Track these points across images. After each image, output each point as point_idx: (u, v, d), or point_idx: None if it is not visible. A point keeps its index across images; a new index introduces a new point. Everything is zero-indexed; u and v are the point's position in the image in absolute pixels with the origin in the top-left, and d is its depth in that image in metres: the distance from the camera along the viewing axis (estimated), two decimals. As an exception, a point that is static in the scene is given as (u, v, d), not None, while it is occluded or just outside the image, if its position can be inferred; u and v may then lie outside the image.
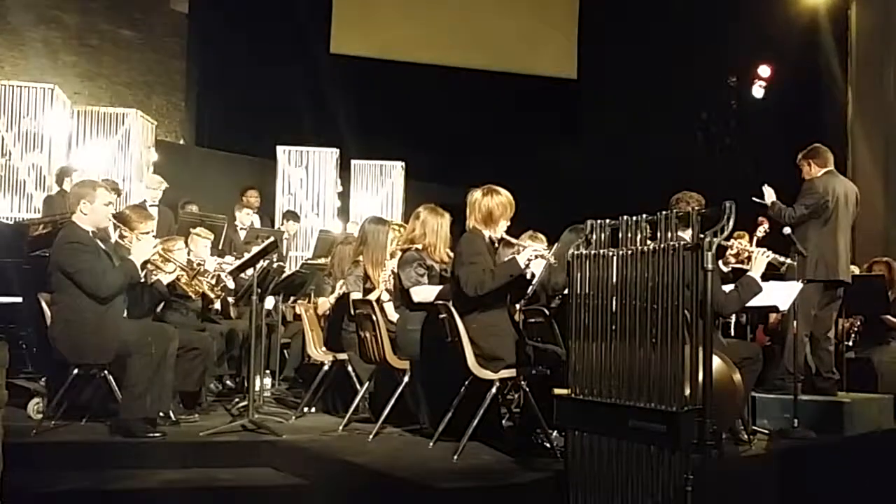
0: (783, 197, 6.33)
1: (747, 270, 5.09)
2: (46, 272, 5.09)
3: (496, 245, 4.96)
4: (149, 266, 5.46)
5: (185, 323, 6.07)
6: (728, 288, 5.00)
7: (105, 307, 5.02)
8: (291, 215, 10.23)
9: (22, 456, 4.14)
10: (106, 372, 5.06)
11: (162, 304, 5.93)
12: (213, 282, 6.36)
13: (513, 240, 5.03)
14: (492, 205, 4.86)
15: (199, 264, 6.18)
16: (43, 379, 5.69)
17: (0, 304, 5.97)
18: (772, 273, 5.33)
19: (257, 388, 6.19)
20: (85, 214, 5.12)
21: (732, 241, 5.77)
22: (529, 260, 4.74)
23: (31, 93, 8.86)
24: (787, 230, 5.98)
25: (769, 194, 6.31)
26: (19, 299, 5.91)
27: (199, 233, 7.05)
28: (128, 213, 5.68)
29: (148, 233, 5.59)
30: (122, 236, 5.51)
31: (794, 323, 5.78)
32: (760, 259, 5.09)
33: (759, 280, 4.93)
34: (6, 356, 3.49)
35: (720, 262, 5.31)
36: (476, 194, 4.92)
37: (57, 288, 5.03)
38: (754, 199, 6.26)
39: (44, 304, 5.37)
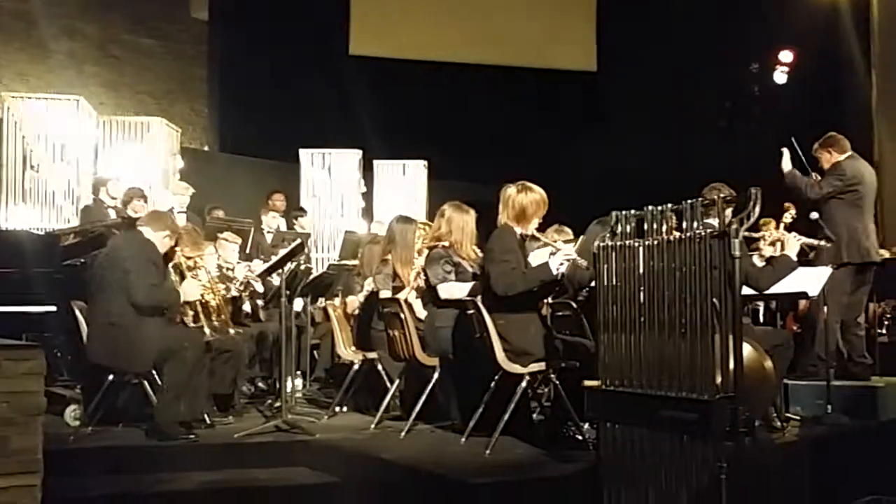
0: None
1: None
2: (91, 272, 5.28)
3: (526, 240, 4.97)
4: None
5: (217, 327, 6.12)
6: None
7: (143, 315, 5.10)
8: (300, 211, 10.26)
9: (60, 462, 4.20)
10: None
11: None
12: (242, 287, 6.44)
13: (541, 235, 5.04)
14: (525, 202, 4.86)
15: (228, 269, 6.24)
16: (79, 386, 5.77)
17: (34, 314, 6.05)
18: (801, 259, 5.30)
19: (289, 389, 6.24)
20: (154, 234, 5.29)
21: (762, 231, 5.75)
22: (561, 264, 4.75)
23: (56, 104, 8.97)
24: (814, 215, 5.94)
25: (786, 161, 6.24)
26: (53, 308, 5.99)
27: (227, 237, 7.12)
28: (183, 235, 5.73)
29: (193, 258, 5.68)
30: (175, 266, 5.56)
31: (825, 308, 5.75)
32: (793, 241, 5.08)
33: (793, 258, 4.91)
34: (43, 363, 3.55)
35: (755, 257, 5.28)
36: (510, 190, 4.92)
37: (98, 289, 5.13)
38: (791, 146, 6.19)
39: (77, 313, 5.46)
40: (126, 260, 5.09)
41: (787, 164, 6.22)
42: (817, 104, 10.96)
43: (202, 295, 5.60)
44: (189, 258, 5.67)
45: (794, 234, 5.20)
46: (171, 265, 5.53)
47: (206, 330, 5.48)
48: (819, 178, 6.27)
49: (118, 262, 5.10)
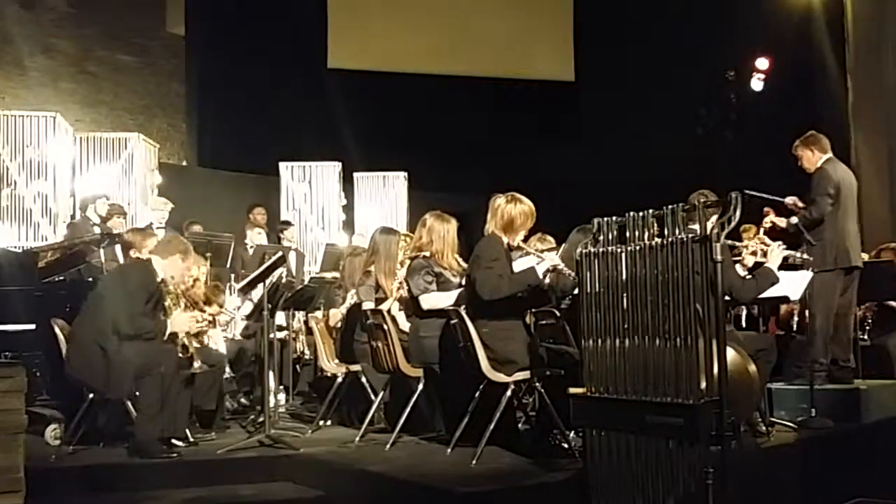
0: (791, 188, 6.30)
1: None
2: (93, 288, 5.26)
3: (512, 250, 4.98)
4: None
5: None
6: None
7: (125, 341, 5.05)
8: (286, 224, 10.23)
9: (43, 482, 4.17)
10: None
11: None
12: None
13: (526, 246, 5.05)
14: (514, 213, 4.88)
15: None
16: (59, 406, 5.70)
17: (12, 332, 5.98)
18: (784, 263, 5.32)
19: (272, 404, 6.19)
20: (165, 261, 5.31)
21: (746, 240, 5.78)
22: (548, 271, 4.77)
23: (33, 122, 8.90)
24: (794, 220, 5.96)
25: (780, 222, 6.24)
26: (32, 326, 5.92)
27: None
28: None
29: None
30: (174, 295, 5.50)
31: (807, 312, 5.78)
32: (776, 252, 5.10)
33: (775, 271, 4.94)
34: (24, 381, 3.51)
35: (738, 266, 5.30)
36: (499, 200, 4.95)
37: (93, 306, 5.13)
38: (750, 193, 6.21)
39: (57, 331, 5.40)
40: (122, 285, 5.13)
41: (781, 222, 6.22)
42: (794, 111, 11.04)
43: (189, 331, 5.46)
44: (207, 302, 5.64)
45: (778, 243, 5.23)
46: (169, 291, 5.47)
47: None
48: (796, 200, 6.27)
49: (115, 286, 5.13)
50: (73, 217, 8.79)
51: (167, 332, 5.25)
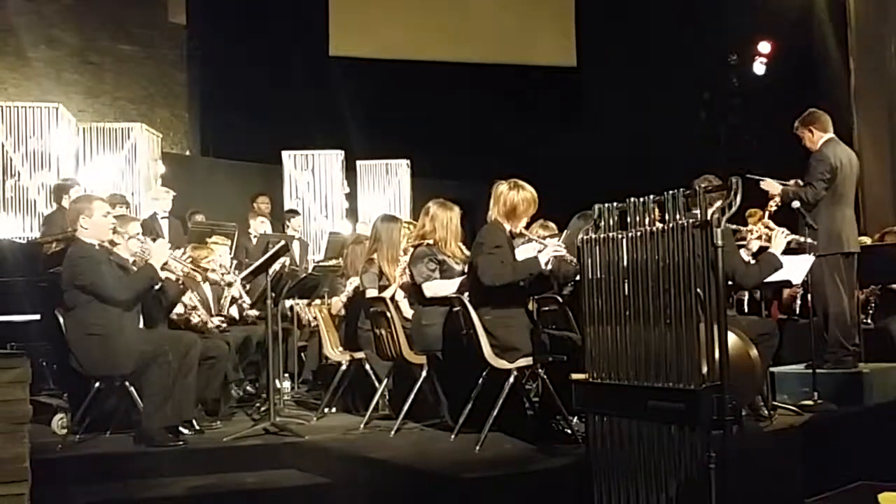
0: (795, 171, 6.28)
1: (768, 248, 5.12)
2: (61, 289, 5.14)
3: (514, 237, 4.98)
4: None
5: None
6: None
7: (120, 319, 5.03)
8: (292, 213, 10.24)
9: (49, 471, 4.20)
10: (127, 383, 5.10)
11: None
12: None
13: (528, 233, 5.06)
14: (517, 200, 4.89)
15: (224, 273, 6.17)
16: (65, 395, 5.73)
17: (18, 323, 6.01)
18: (787, 247, 5.32)
19: (277, 392, 6.22)
20: (86, 229, 5.11)
21: (751, 225, 5.77)
22: (549, 260, 4.78)
23: (36, 112, 8.90)
24: (795, 204, 5.94)
25: (772, 187, 6.21)
26: (37, 317, 5.95)
27: (217, 241, 7.11)
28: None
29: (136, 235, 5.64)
30: (112, 243, 5.37)
31: (809, 297, 5.77)
32: (780, 237, 5.10)
33: (779, 256, 4.94)
34: (28, 371, 3.53)
35: (743, 251, 5.30)
36: (501, 187, 4.95)
37: (71, 304, 5.04)
38: (749, 175, 6.19)
39: (62, 320, 5.41)
40: (79, 279, 4.97)
41: (774, 188, 6.17)
42: (796, 94, 11.00)
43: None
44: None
45: (782, 230, 5.23)
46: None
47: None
48: (799, 181, 6.24)
49: (73, 282, 5.00)
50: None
51: (158, 266, 5.12)
